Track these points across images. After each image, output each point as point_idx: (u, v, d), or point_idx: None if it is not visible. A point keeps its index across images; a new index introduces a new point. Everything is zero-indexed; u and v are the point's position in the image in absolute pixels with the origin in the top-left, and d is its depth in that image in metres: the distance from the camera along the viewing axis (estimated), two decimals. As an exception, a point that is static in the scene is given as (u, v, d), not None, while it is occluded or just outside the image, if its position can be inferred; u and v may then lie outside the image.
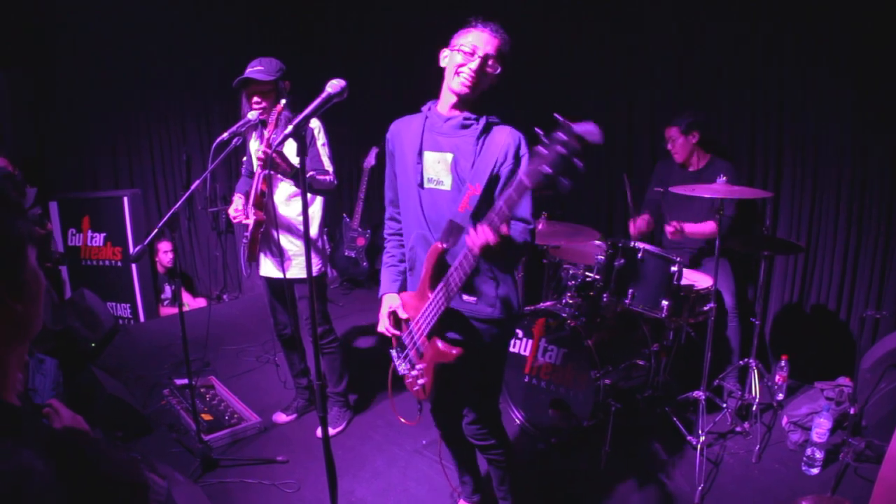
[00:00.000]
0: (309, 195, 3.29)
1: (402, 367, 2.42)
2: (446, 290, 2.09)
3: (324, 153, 3.23)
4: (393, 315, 2.38)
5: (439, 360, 2.19)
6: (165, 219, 2.93)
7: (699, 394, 3.33)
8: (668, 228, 3.87)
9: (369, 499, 3.09)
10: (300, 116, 1.86)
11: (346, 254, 6.17)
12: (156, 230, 2.95)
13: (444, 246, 2.13)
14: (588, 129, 1.59)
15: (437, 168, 2.26)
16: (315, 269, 3.41)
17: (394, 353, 2.48)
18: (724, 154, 4.20)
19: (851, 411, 3.31)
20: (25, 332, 0.98)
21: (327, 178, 3.21)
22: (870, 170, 3.85)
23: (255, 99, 3.15)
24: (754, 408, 3.57)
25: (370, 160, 5.98)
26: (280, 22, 6.56)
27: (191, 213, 6.32)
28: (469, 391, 2.45)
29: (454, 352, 2.15)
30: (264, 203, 3.25)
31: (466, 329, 2.30)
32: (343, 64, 6.64)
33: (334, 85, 1.92)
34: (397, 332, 2.38)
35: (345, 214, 6.25)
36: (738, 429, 3.58)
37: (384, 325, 2.41)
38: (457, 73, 2.15)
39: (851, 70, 3.78)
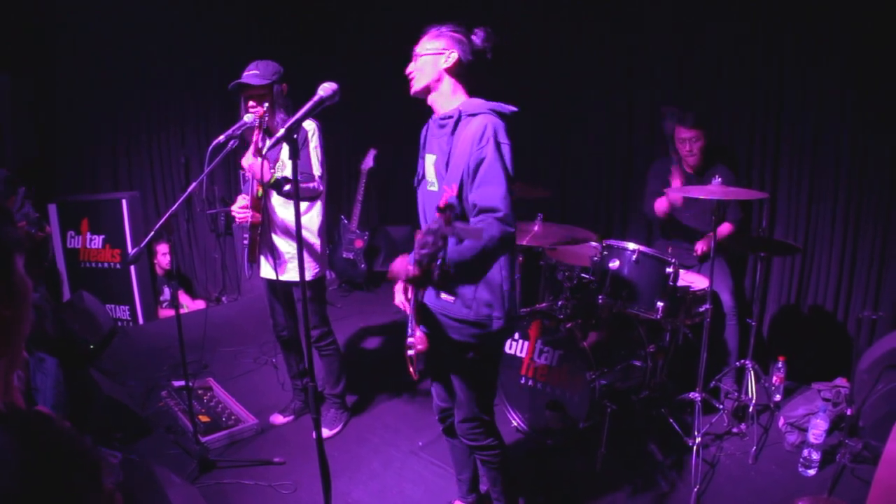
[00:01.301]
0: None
1: (408, 330, 2.46)
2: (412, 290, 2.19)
3: (314, 156, 3.22)
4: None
5: (414, 344, 2.23)
6: (161, 221, 2.94)
7: (695, 395, 3.32)
8: (700, 246, 3.93)
9: (365, 500, 3.09)
10: (291, 120, 1.87)
11: (345, 256, 6.18)
12: (152, 233, 2.96)
13: None
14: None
15: (431, 170, 2.33)
16: (314, 272, 3.42)
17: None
18: (724, 154, 4.20)
19: (848, 412, 3.31)
20: (13, 336, 0.99)
21: (310, 185, 3.18)
22: (867, 170, 3.85)
23: (251, 103, 3.16)
24: (751, 409, 3.56)
25: (368, 162, 5.98)
26: (280, 22, 6.56)
27: (189, 214, 6.33)
28: (450, 385, 2.50)
29: (419, 346, 2.17)
30: (262, 205, 3.26)
31: (437, 326, 2.35)
32: (343, 64, 6.65)
33: (326, 88, 1.92)
34: (403, 303, 2.38)
35: (343, 216, 6.25)
36: (735, 430, 3.58)
37: (397, 298, 2.44)
38: None
39: (851, 70, 3.78)
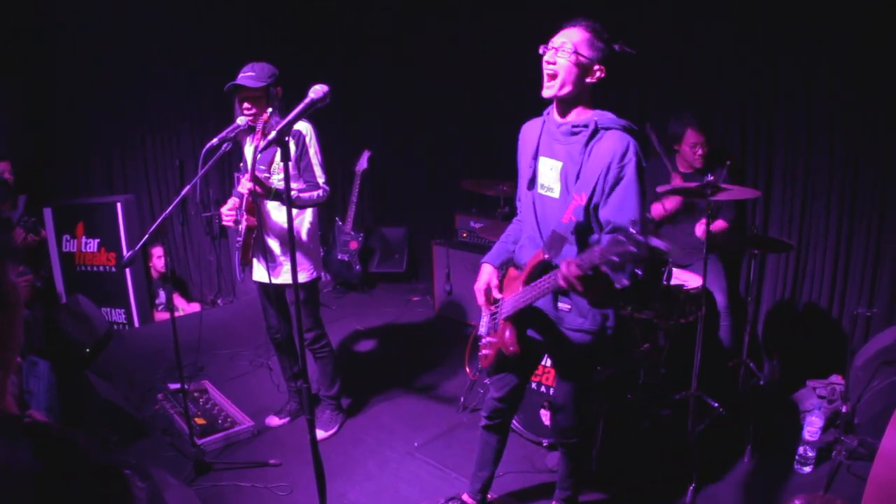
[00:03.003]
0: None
1: (483, 329, 2.53)
2: (532, 293, 2.18)
3: (316, 161, 3.23)
4: (488, 290, 2.46)
5: (500, 346, 2.32)
6: (155, 225, 2.95)
7: (690, 393, 3.33)
8: (699, 229, 3.92)
9: (361, 501, 3.09)
10: (283, 122, 1.87)
11: (339, 257, 6.18)
12: (146, 236, 2.96)
13: (546, 257, 2.19)
14: (659, 245, 1.74)
15: (549, 175, 2.29)
16: (308, 274, 3.42)
17: (485, 315, 2.57)
18: (723, 156, 4.21)
19: (844, 409, 3.31)
20: (8, 343, 0.99)
21: (314, 193, 3.20)
22: (861, 168, 3.85)
23: (246, 105, 3.16)
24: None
25: (362, 164, 5.98)
26: (280, 22, 6.56)
27: (184, 217, 6.32)
28: (520, 388, 2.63)
29: (511, 348, 2.27)
30: (257, 208, 3.26)
31: (550, 332, 2.37)
32: (343, 65, 6.66)
33: (317, 90, 1.92)
34: (489, 308, 2.46)
35: (337, 218, 6.25)
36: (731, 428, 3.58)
37: (481, 298, 2.49)
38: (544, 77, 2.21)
39: (850, 70, 3.78)
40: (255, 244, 3.31)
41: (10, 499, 0.77)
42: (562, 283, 1.95)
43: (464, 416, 3.79)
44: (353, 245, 6.13)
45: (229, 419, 3.78)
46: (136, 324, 5.78)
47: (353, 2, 6.60)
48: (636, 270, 1.87)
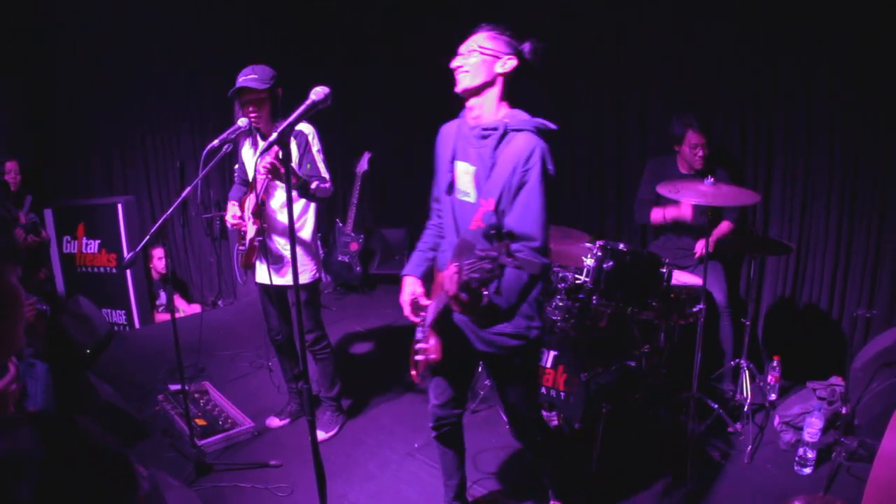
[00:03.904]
0: (303, 202, 3.31)
1: (418, 334, 2.47)
2: (439, 303, 2.15)
3: (319, 160, 3.23)
4: (414, 301, 2.39)
5: (426, 353, 2.27)
6: (157, 226, 2.95)
7: (690, 395, 3.33)
8: (700, 247, 3.95)
9: (362, 502, 3.09)
10: (284, 124, 1.88)
11: (340, 259, 6.18)
12: (147, 237, 2.96)
13: (457, 265, 2.15)
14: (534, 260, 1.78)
15: (465, 179, 2.27)
16: (310, 275, 3.42)
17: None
18: (723, 157, 4.22)
19: (843, 411, 3.31)
20: (6, 346, 0.98)
21: (327, 185, 3.21)
22: (861, 169, 3.85)
23: (251, 108, 3.15)
24: (746, 408, 3.57)
25: (363, 165, 5.99)
26: (280, 22, 6.57)
27: (185, 219, 6.33)
28: (460, 392, 2.58)
29: (433, 356, 2.21)
30: (264, 212, 3.26)
31: (476, 339, 2.33)
32: (343, 65, 6.66)
33: (318, 92, 1.93)
34: (414, 319, 2.38)
35: (338, 219, 6.26)
36: (731, 429, 3.58)
37: (407, 310, 2.42)
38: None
39: (850, 70, 3.78)
40: (260, 246, 3.31)
41: (17, 487, 0.77)
42: (446, 298, 1.92)
43: (464, 418, 3.78)
44: (354, 246, 6.13)
45: (230, 420, 3.78)
46: (137, 325, 5.80)
47: (353, 2, 6.61)
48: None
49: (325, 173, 3.23)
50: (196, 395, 4.07)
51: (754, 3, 4.12)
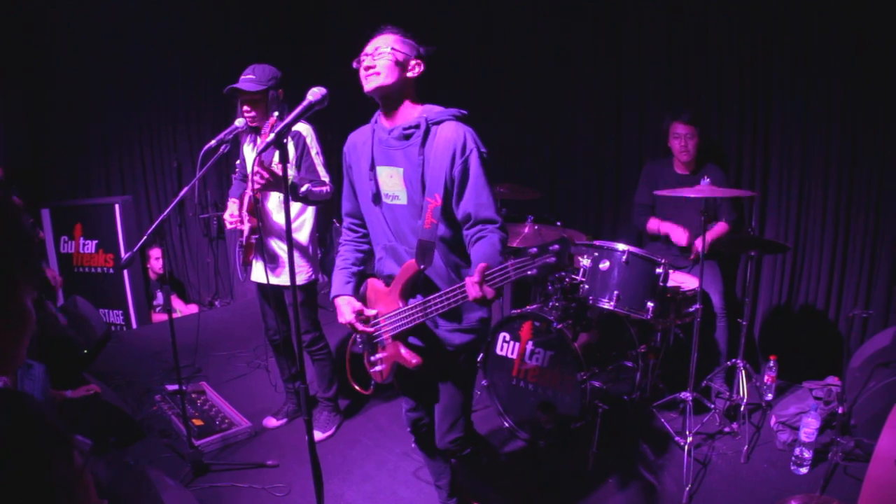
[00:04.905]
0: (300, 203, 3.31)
1: (360, 347, 2.43)
2: (424, 311, 2.11)
3: (318, 162, 3.23)
4: (360, 314, 2.32)
5: (399, 362, 2.23)
6: (154, 226, 2.95)
7: (687, 395, 3.34)
8: (698, 244, 3.91)
9: (359, 502, 3.09)
10: (281, 125, 1.87)
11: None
12: (144, 237, 2.96)
13: (421, 267, 2.14)
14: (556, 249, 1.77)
15: (391, 182, 2.24)
16: (306, 276, 3.43)
17: (358, 337, 2.45)
18: (715, 153, 4.22)
19: (840, 410, 3.31)
20: (4, 358, 0.97)
21: (324, 188, 3.20)
22: (857, 169, 3.86)
23: (245, 108, 3.17)
24: (742, 408, 3.57)
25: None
26: (280, 22, 6.56)
27: (182, 219, 6.32)
28: (426, 396, 2.50)
29: (414, 361, 2.18)
30: (258, 209, 3.26)
31: (430, 339, 2.30)
32: (343, 66, 6.64)
33: (315, 93, 1.93)
34: (369, 330, 2.32)
35: (335, 220, 6.25)
36: (727, 429, 3.59)
37: (360, 327, 2.33)
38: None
39: (847, 71, 3.79)
40: (256, 245, 3.32)
41: None
42: (475, 296, 1.88)
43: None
44: (351, 246, 6.11)
45: (227, 420, 3.78)
46: (134, 325, 5.79)
47: (353, 2, 6.60)
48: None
49: (324, 175, 3.23)
50: (193, 396, 4.07)
51: (754, 3, 4.11)
